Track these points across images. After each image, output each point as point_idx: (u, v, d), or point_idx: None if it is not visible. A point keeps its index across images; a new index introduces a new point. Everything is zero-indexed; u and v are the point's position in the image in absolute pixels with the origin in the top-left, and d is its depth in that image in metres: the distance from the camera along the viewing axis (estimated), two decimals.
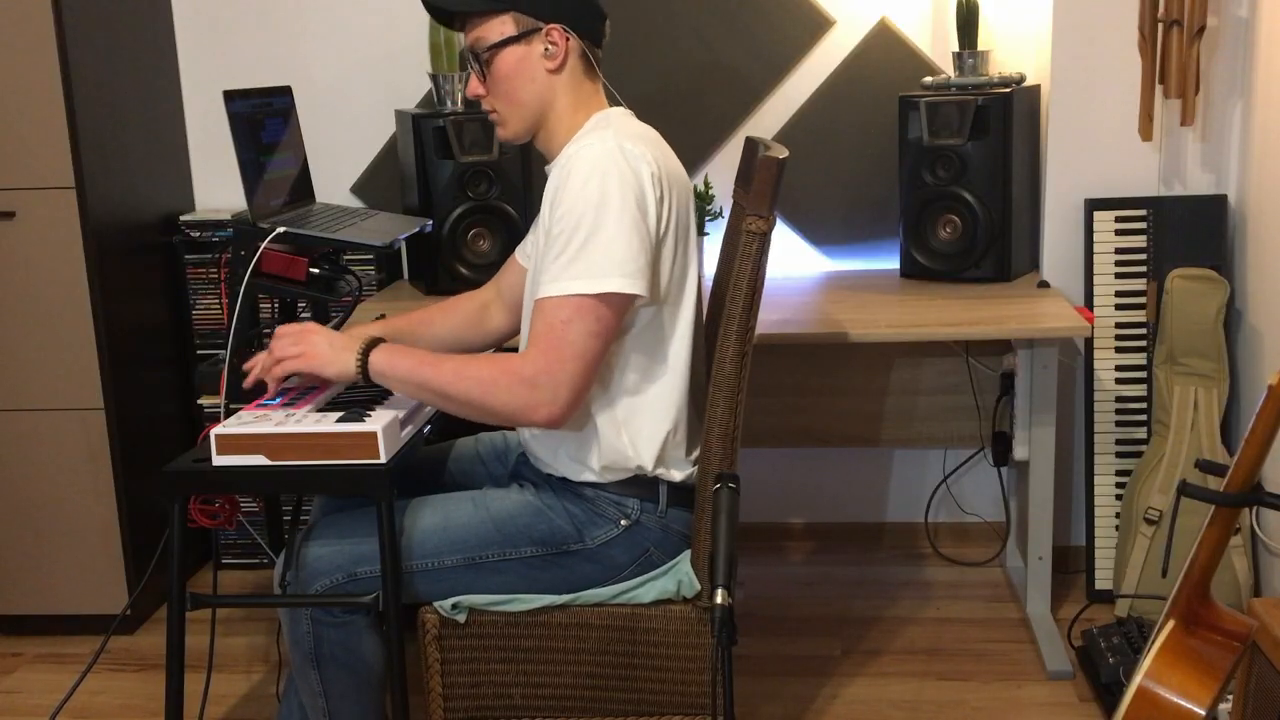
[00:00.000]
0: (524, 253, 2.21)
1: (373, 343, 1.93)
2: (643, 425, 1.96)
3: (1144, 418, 2.91)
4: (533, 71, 1.96)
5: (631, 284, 1.83)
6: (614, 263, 1.82)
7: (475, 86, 2.01)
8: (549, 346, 1.83)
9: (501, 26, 1.95)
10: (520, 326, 2.25)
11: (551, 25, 1.94)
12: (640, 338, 1.94)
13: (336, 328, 2.29)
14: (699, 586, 1.96)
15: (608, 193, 1.83)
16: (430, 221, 2.60)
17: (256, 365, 2.02)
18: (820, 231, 3.26)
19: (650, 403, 1.96)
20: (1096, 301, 2.91)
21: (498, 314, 2.26)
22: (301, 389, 2.06)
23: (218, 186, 3.38)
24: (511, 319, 2.26)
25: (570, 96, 1.99)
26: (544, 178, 2.01)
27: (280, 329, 2.00)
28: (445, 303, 2.28)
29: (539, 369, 1.83)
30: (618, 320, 1.87)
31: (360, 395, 2.02)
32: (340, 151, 3.31)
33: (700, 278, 2.04)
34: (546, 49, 1.95)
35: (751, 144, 2.15)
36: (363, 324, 2.19)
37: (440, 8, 1.99)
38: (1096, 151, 2.95)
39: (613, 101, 2.06)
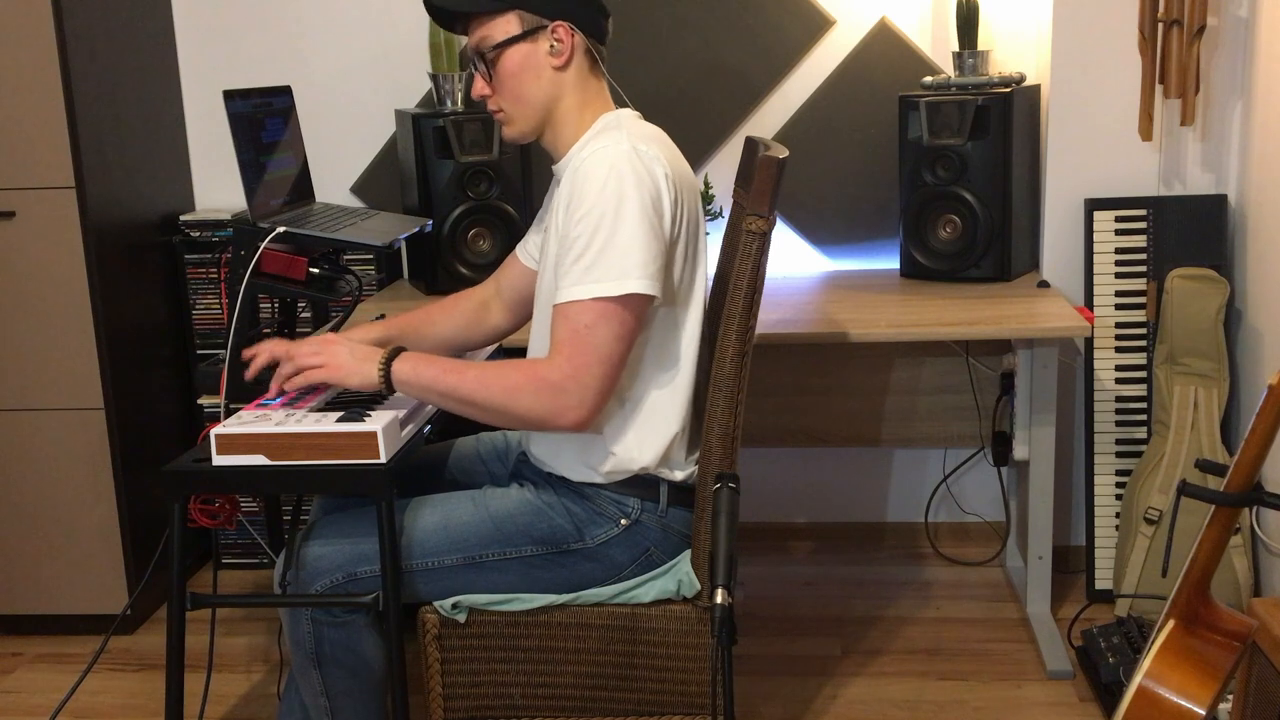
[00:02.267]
0: (525, 251, 2.21)
1: (395, 352, 1.92)
2: (650, 427, 1.96)
3: (1144, 418, 2.91)
4: (539, 69, 1.96)
5: (651, 285, 1.83)
6: (634, 264, 1.82)
7: (480, 87, 2.00)
8: (574, 351, 1.82)
9: (506, 25, 1.94)
10: (519, 323, 2.26)
11: (557, 22, 1.94)
12: (650, 339, 1.94)
13: (336, 328, 2.30)
14: (699, 586, 1.96)
15: (625, 195, 1.83)
16: (430, 221, 2.60)
17: (260, 355, 2.02)
18: (820, 231, 3.26)
19: (658, 404, 1.96)
20: (1096, 301, 2.91)
21: (497, 312, 2.26)
22: (302, 389, 2.05)
23: (218, 186, 3.38)
24: (511, 316, 2.25)
25: (576, 94, 1.98)
26: (544, 176, 2.02)
27: (305, 340, 1.99)
28: (444, 301, 2.28)
29: (565, 374, 1.82)
30: (639, 322, 1.87)
31: (360, 395, 2.02)
32: (340, 151, 3.31)
33: (706, 278, 2.04)
34: (552, 46, 1.95)
35: (751, 144, 2.15)
36: (363, 325, 2.18)
37: (443, 9, 1.98)
38: (1096, 151, 2.95)
39: (617, 99, 2.06)
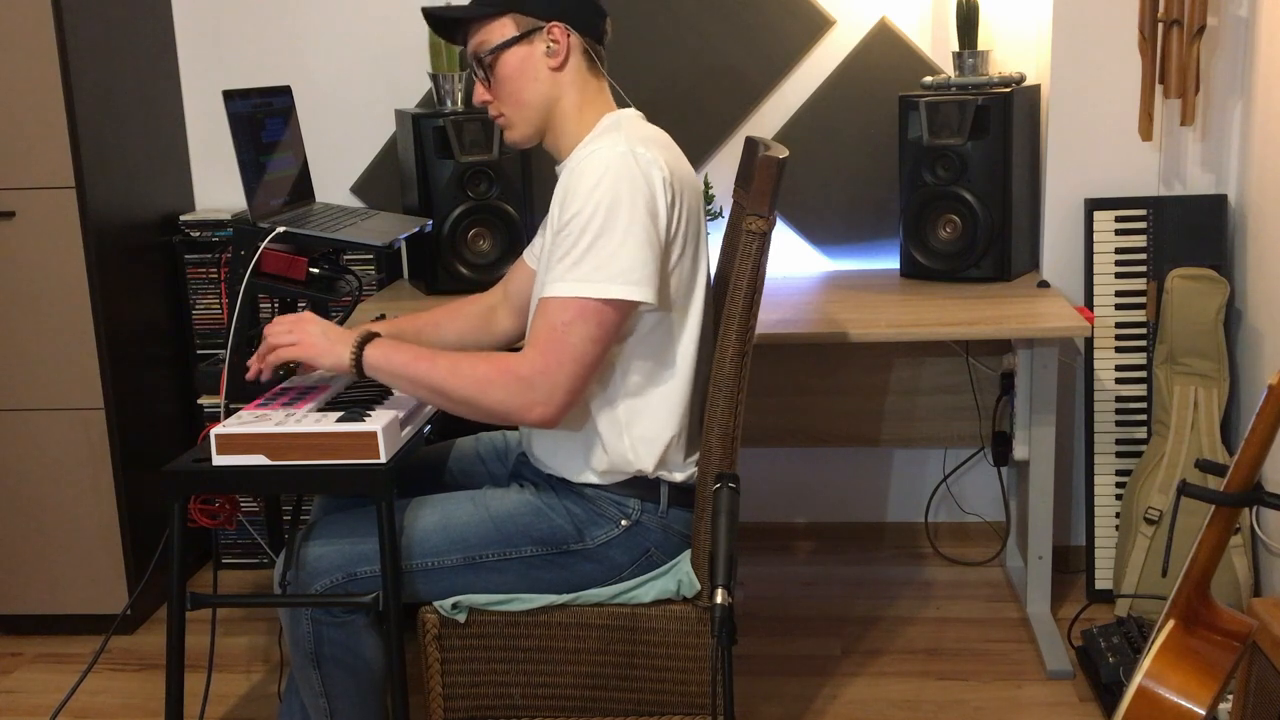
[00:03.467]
0: (532, 255, 2.21)
1: (368, 337, 1.92)
2: (646, 429, 1.96)
3: (1144, 418, 2.91)
4: (536, 71, 1.96)
5: (635, 291, 1.83)
6: (619, 269, 1.82)
7: (481, 93, 2.01)
8: (548, 347, 1.83)
9: (502, 29, 1.95)
10: (523, 328, 2.25)
11: (552, 23, 1.94)
12: (647, 341, 1.94)
13: None
14: (699, 586, 1.96)
15: (618, 197, 1.83)
16: (430, 221, 2.60)
17: (259, 353, 2.03)
18: (820, 231, 3.26)
19: (654, 406, 1.96)
20: (1096, 301, 2.91)
21: (505, 317, 2.26)
22: (301, 389, 2.06)
23: (218, 186, 3.38)
24: (519, 322, 2.25)
25: (576, 95, 1.99)
26: (546, 177, 2.02)
27: (277, 318, 2.00)
28: (452, 305, 2.28)
29: (536, 369, 1.83)
30: (619, 326, 1.87)
31: (360, 395, 2.02)
32: (340, 151, 3.31)
33: (709, 281, 2.04)
34: (548, 47, 1.95)
35: (751, 144, 2.15)
36: (365, 325, 2.18)
37: (441, 18, 2.00)
38: (1096, 151, 2.95)
39: (620, 100, 2.06)
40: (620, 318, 1.86)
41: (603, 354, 1.86)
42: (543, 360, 1.83)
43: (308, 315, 1.99)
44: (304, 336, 1.94)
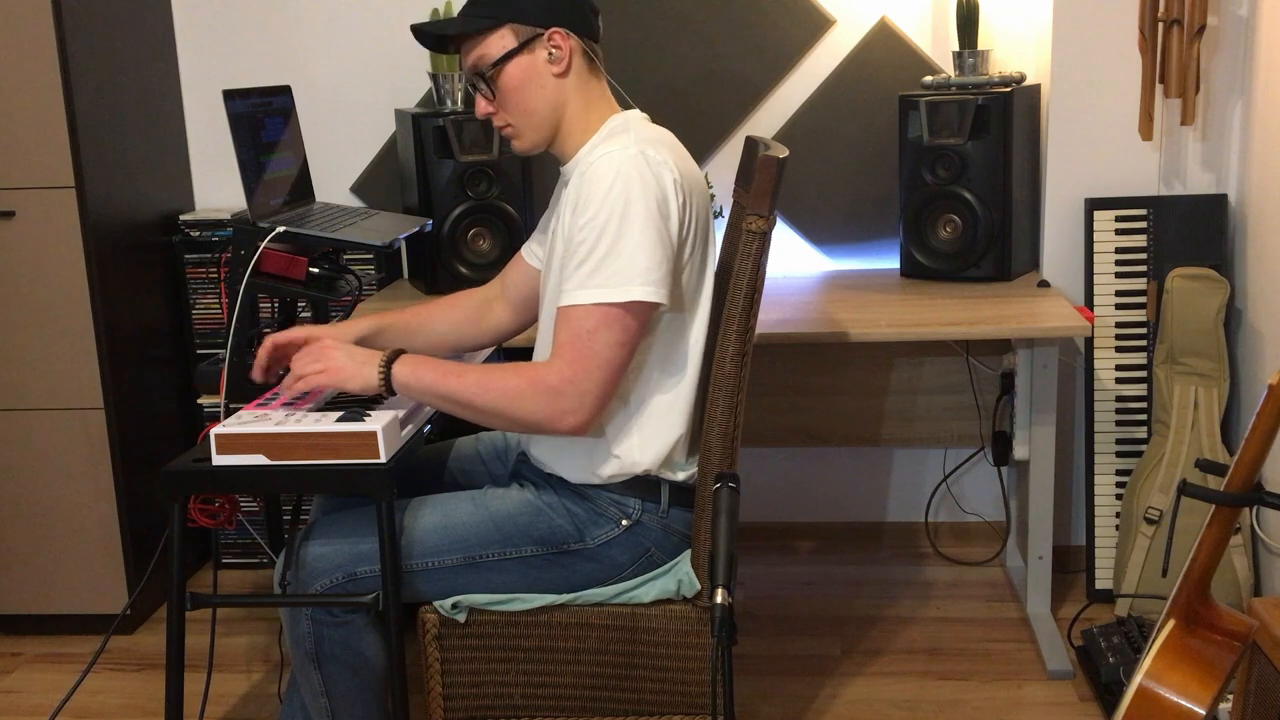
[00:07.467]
0: (530, 252, 2.21)
1: (394, 355, 1.92)
2: (654, 429, 1.96)
3: (1144, 417, 2.91)
4: (541, 79, 1.95)
5: (654, 293, 1.83)
6: (638, 271, 1.82)
7: (484, 106, 1.98)
8: (575, 356, 1.82)
9: (501, 40, 1.93)
10: (523, 323, 2.25)
11: (552, 29, 1.93)
12: (658, 340, 1.94)
13: None
14: (699, 586, 1.96)
15: (631, 200, 1.82)
16: (430, 221, 2.60)
17: (261, 354, 2.02)
18: (820, 231, 3.26)
19: (662, 407, 1.96)
20: (1096, 301, 2.91)
21: (501, 311, 2.25)
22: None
23: (218, 186, 3.38)
24: (514, 316, 2.25)
25: (580, 98, 1.98)
26: (546, 177, 2.01)
27: (303, 350, 1.97)
28: (447, 298, 2.27)
29: (565, 378, 1.82)
30: (642, 329, 1.87)
31: (360, 395, 2.02)
32: (340, 151, 3.31)
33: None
34: (550, 54, 1.94)
35: (751, 143, 2.14)
36: (353, 320, 2.17)
37: (436, 35, 1.98)
38: (1096, 151, 2.95)
39: (618, 97, 2.05)
40: (642, 320, 1.86)
41: (629, 357, 1.86)
42: (571, 369, 1.82)
43: (328, 341, 1.98)
44: (330, 363, 1.93)
